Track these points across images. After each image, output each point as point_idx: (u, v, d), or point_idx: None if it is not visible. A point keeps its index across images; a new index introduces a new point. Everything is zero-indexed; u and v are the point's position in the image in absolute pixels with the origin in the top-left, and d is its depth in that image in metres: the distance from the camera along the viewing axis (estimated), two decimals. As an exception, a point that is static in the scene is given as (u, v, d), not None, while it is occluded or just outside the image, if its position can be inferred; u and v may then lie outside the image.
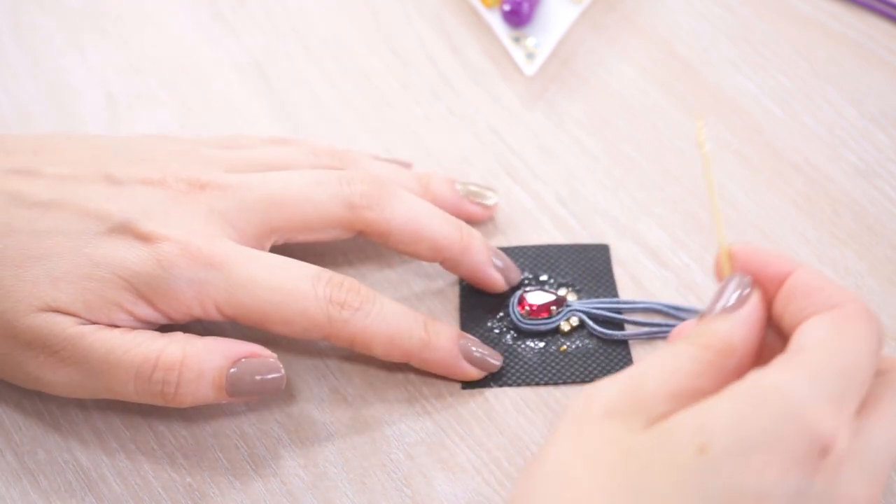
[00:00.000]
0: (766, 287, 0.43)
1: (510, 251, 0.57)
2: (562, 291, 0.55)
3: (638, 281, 0.56)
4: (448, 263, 0.55)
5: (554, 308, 0.54)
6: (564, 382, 0.53)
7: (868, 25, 0.66)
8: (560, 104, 0.64)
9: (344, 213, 0.52)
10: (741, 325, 0.42)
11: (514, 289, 0.55)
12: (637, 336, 0.54)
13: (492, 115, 0.63)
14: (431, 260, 0.55)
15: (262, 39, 0.67)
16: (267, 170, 0.53)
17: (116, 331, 0.48)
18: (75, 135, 0.54)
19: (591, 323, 0.54)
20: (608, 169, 0.61)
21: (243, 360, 0.49)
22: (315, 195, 0.52)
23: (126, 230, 0.49)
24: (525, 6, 0.65)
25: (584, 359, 0.53)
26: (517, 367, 0.53)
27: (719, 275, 0.44)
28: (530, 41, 0.65)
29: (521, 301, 0.54)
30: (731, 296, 0.43)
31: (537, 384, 0.53)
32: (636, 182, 0.60)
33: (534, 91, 0.64)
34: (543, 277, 0.56)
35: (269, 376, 0.49)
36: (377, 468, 0.50)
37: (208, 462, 0.51)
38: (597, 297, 0.55)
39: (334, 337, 0.50)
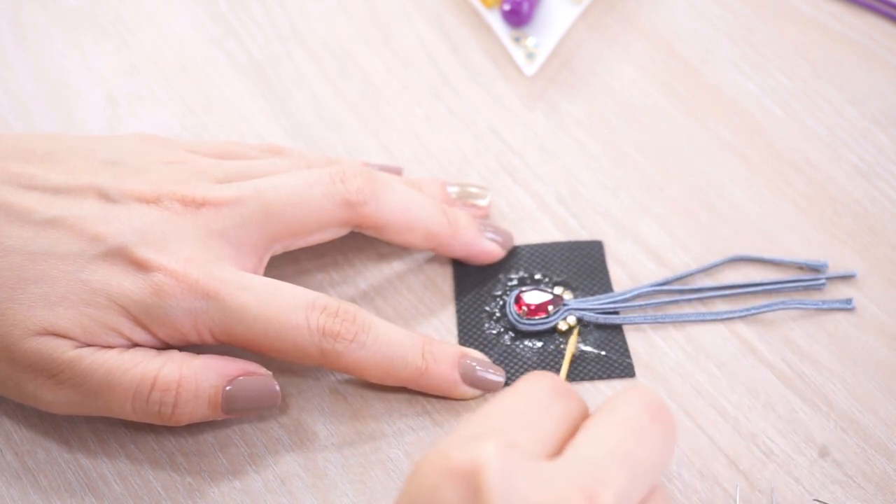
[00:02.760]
0: None
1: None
2: (557, 290, 0.55)
3: (638, 281, 0.56)
4: (442, 248, 0.55)
5: (551, 308, 0.54)
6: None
7: (868, 25, 0.66)
8: (560, 104, 0.64)
9: (341, 210, 0.52)
10: None
11: (509, 288, 0.56)
12: (633, 322, 0.54)
13: (492, 115, 0.63)
14: (425, 248, 0.55)
15: (262, 39, 0.67)
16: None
17: (113, 351, 0.48)
18: (64, 137, 0.54)
19: (589, 314, 0.54)
20: (608, 169, 0.61)
21: (239, 378, 0.49)
22: (310, 196, 0.51)
23: (121, 255, 0.49)
24: (525, 6, 0.65)
25: (583, 357, 0.53)
26: (516, 367, 0.53)
27: None
28: (530, 41, 0.65)
29: (518, 301, 0.54)
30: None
31: (537, 384, 0.53)
32: (636, 182, 0.60)
33: (534, 91, 0.64)
34: (538, 276, 0.56)
35: (264, 393, 0.49)
36: (377, 468, 0.50)
37: (208, 462, 0.51)
38: (592, 293, 0.55)
39: (328, 367, 0.50)
